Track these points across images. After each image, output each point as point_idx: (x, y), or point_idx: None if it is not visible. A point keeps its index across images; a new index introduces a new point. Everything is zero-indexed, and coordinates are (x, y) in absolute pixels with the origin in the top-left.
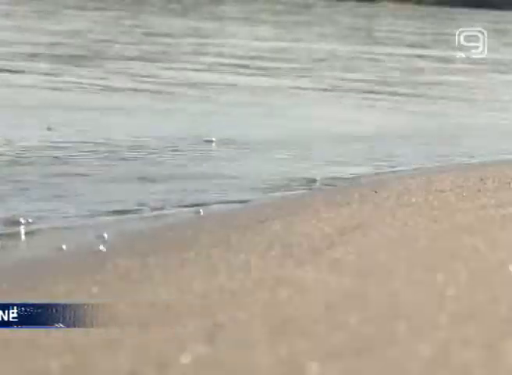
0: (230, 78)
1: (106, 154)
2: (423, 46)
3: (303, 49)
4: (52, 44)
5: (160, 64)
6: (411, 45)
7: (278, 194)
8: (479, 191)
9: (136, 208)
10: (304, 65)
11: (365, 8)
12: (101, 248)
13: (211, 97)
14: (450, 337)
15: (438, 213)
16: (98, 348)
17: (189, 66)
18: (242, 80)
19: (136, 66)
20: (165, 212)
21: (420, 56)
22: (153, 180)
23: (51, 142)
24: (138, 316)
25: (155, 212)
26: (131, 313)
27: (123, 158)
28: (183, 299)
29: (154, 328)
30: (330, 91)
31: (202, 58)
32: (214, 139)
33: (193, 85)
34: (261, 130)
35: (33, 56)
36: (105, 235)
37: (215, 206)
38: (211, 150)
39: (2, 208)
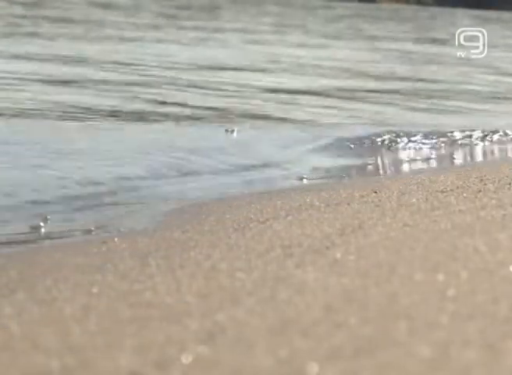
0: None
1: None
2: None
3: None
4: None
5: None
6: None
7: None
8: (480, 191)
9: (135, 207)
10: None
11: (366, 8)
12: (102, 247)
13: None
14: (450, 337)
15: (438, 213)
16: (98, 348)
17: None
18: None
19: None
20: (164, 211)
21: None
22: (157, 178)
23: None
24: (138, 315)
25: (155, 212)
26: (131, 313)
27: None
28: (183, 299)
29: (154, 328)
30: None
31: None
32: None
33: None
34: None
35: None
36: (104, 235)
37: (214, 205)
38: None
39: None
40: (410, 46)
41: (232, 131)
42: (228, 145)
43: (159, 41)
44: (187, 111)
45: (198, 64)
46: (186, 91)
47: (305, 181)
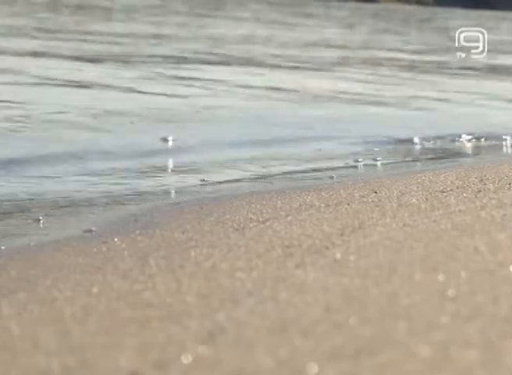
0: None
1: None
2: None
3: None
4: None
5: None
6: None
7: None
8: (480, 191)
9: (136, 206)
10: None
11: (366, 8)
12: (102, 247)
13: None
14: (450, 337)
15: (438, 213)
16: (98, 348)
17: None
18: None
19: None
20: (164, 211)
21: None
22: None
23: None
24: (138, 315)
25: (154, 211)
26: (131, 313)
27: None
28: (183, 299)
29: (154, 328)
30: None
31: None
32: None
33: None
34: None
35: None
36: (104, 235)
37: (214, 205)
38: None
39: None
40: None
41: None
42: None
43: None
44: None
45: None
46: None
47: None
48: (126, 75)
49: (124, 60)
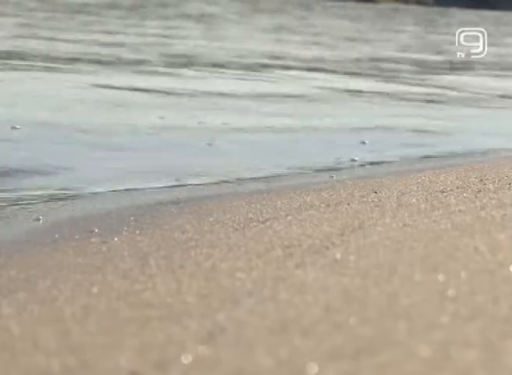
0: None
1: None
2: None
3: None
4: None
5: None
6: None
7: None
8: (480, 191)
9: (136, 206)
10: None
11: (367, 8)
12: (102, 247)
13: None
14: (450, 337)
15: (438, 213)
16: (98, 348)
17: None
18: None
19: None
20: (164, 211)
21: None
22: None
23: None
24: (138, 315)
25: (154, 211)
26: (131, 313)
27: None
28: (183, 299)
29: (154, 328)
30: None
31: None
32: None
33: None
34: None
35: None
36: (104, 235)
37: (214, 205)
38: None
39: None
40: None
41: None
42: None
43: None
44: None
45: None
46: None
47: None
48: None
49: None
